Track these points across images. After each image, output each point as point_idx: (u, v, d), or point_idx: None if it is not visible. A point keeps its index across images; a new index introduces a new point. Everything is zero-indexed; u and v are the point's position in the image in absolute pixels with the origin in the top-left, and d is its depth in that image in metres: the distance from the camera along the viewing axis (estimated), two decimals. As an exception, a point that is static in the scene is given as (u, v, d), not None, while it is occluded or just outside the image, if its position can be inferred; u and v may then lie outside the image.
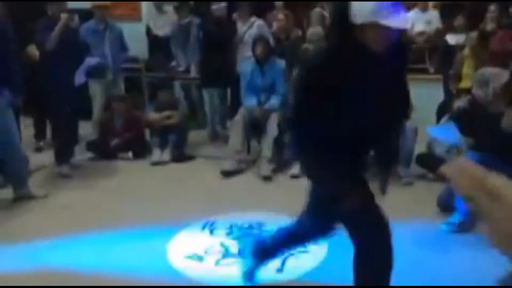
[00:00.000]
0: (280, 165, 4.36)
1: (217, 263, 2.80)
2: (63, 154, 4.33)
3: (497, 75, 3.14)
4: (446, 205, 3.32)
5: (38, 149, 5.05)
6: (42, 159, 4.66)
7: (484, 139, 3.05)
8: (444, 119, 4.06)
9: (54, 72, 4.06)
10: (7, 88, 3.48)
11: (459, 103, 3.50)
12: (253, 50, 4.49)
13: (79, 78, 4.39)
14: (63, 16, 4.12)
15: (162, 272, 2.72)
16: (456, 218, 3.11)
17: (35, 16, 4.35)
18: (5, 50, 3.44)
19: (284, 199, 3.70)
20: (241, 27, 5.38)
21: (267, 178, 4.14)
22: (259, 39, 4.55)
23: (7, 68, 3.44)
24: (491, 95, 3.10)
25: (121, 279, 2.59)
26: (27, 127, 5.03)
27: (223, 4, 5.13)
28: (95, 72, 4.78)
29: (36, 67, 4.43)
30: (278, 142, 4.46)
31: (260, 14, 5.78)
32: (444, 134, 3.34)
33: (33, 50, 4.66)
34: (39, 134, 5.17)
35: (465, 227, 3.07)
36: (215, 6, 5.14)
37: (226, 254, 2.88)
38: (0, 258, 2.89)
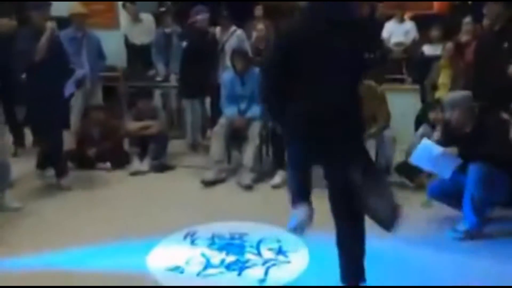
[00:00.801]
0: (261, 175, 4.35)
1: (198, 274, 2.76)
2: (46, 161, 4.24)
3: (462, 99, 3.23)
4: (438, 194, 3.36)
5: (15, 155, 4.98)
6: (19, 168, 4.55)
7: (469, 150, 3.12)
8: (421, 129, 4.15)
9: (41, 82, 3.91)
10: None
11: (435, 136, 3.60)
12: (232, 61, 4.49)
13: (69, 89, 4.33)
14: (49, 25, 3.93)
15: (142, 284, 2.67)
16: (463, 225, 3.14)
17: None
18: None
19: (265, 209, 3.70)
20: (221, 37, 5.38)
21: (248, 187, 4.12)
22: (237, 51, 4.56)
23: None
24: (455, 118, 3.19)
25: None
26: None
27: (205, 14, 5.12)
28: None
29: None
30: (259, 151, 4.47)
31: (240, 24, 5.79)
32: (426, 163, 3.32)
33: None
34: (17, 140, 5.09)
35: (472, 235, 3.11)
36: (199, 16, 5.10)
37: (208, 265, 2.85)
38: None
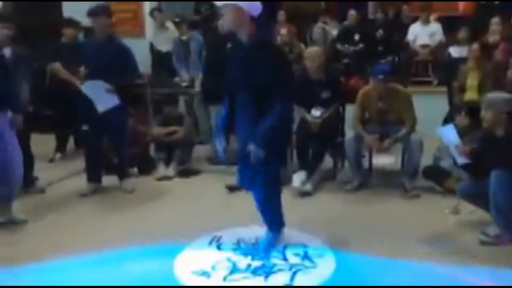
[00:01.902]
0: (286, 179, 4.34)
1: (224, 279, 2.77)
2: (91, 172, 4.32)
3: (500, 101, 3.15)
4: (468, 194, 3.30)
5: (51, 160, 5.15)
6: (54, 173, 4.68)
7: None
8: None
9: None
10: (9, 108, 3.47)
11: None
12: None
13: (104, 106, 4.06)
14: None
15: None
16: (494, 229, 3.09)
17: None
18: (7, 74, 3.48)
19: (291, 214, 3.67)
20: None
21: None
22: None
23: (8, 91, 3.47)
24: (488, 119, 3.12)
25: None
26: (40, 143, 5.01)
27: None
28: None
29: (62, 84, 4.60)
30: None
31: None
32: (448, 135, 3.51)
33: (57, 67, 4.83)
34: (59, 147, 5.28)
35: (502, 241, 3.05)
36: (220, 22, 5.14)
37: (234, 269, 2.85)
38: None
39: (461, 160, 3.40)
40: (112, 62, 3.98)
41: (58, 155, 5.22)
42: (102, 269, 2.90)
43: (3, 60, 3.57)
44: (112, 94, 4.03)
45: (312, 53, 4.48)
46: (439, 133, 3.66)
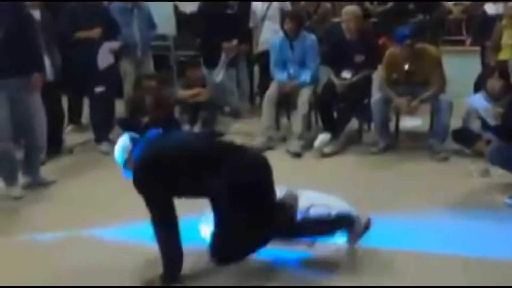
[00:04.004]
0: (310, 142, 4.31)
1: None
2: (101, 133, 4.42)
3: None
4: (497, 158, 3.23)
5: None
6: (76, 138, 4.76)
7: None
8: (477, 99, 3.93)
9: (89, 50, 4.21)
10: (33, 70, 3.44)
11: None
12: (282, 25, 4.40)
13: (102, 63, 4.39)
14: None
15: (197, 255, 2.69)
16: None
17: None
18: (33, 35, 3.46)
19: (314, 176, 3.67)
20: (257, 4, 5.26)
21: (297, 155, 4.10)
22: (289, 13, 4.46)
23: (36, 53, 3.48)
24: None
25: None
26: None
27: None
28: (126, 51, 4.81)
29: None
30: (307, 119, 4.42)
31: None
32: (478, 102, 3.47)
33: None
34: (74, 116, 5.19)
35: None
36: None
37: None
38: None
39: (493, 122, 3.29)
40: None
41: (70, 127, 5.07)
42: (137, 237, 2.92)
43: (32, 21, 3.53)
44: (111, 53, 4.38)
45: (349, 12, 4.31)
46: (468, 102, 3.53)
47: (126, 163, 2.38)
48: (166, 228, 2.30)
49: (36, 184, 3.66)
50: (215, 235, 2.40)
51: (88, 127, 4.98)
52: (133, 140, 2.40)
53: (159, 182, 2.27)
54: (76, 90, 4.94)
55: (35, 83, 3.43)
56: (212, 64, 5.20)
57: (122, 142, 2.41)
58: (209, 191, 2.33)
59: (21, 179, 3.61)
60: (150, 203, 2.29)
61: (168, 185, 2.28)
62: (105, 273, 2.50)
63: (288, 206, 2.57)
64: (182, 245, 2.33)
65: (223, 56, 5.19)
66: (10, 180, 3.50)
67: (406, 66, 3.96)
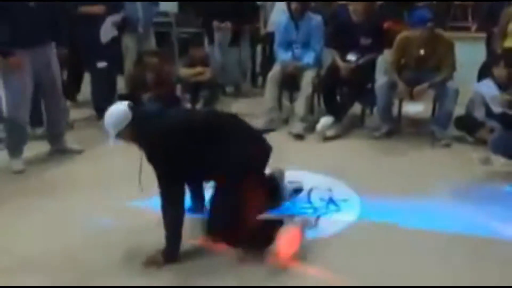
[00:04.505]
0: (312, 124, 4.29)
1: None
2: (102, 109, 4.37)
3: None
4: (500, 146, 3.24)
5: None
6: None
7: None
8: (483, 85, 3.89)
9: (92, 25, 4.19)
10: (55, 40, 3.56)
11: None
12: (288, 5, 4.34)
13: (105, 36, 4.38)
14: None
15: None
16: None
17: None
18: (58, 5, 3.56)
19: (316, 158, 3.67)
20: None
21: (299, 137, 4.08)
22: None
23: (55, 22, 3.52)
24: None
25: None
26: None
27: None
28: (128, 25, 4.75)
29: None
30: (310, 101, 4.39)
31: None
32: (485, 88, 3.41)
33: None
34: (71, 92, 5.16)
35: None
36: None
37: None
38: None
39: (498, 109, 3.27)
40: None
41: (70, 103, 4.97)
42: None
43: None
44: (114, 26, 4.43)
45: None
46: (475, 88, 3.51)
47: (120, 133, 2.29)
48: (177, 203, 2.30)
49: (62, 151, 3.76)
50: (212, 209, 2.43)
51: (84, 104, 4.95)
52: (132, 110, 2.30)
53: (174, 155, 2.24)
54: (77, 66, 4.89)
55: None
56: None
57: (121, 111, 2.29)
58: (212, 167, 2.34)
59: (46, 147, 3.77)
60: (164, 176, 2.26)
61: (181, 159, 2.26)
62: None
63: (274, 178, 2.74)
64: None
65: (216, 36, 5.15)
66: (15, 152, 3.53)
67: (422, 51, 3.90)
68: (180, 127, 2.32)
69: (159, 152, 2.26)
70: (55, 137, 3.78)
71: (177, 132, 2.30)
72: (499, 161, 3.38)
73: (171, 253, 2.34)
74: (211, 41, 5.22)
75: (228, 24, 5.10)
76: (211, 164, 2.34)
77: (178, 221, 2.31)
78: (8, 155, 3.53)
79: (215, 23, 5.07)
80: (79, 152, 3.81)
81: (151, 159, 2.27)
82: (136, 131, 2.29)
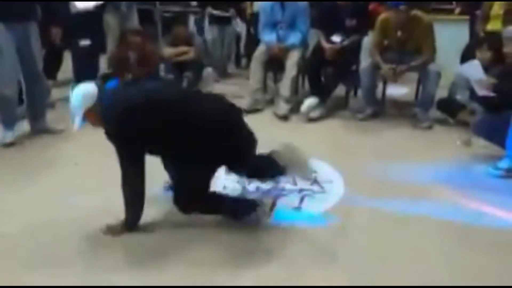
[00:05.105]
0: (296, 105, 4.30)
1: (234, 200, 2.81)
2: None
3: None
4: (482, 129, 3.29)
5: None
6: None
7: None
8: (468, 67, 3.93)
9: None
10: (35, 16, 3.51)
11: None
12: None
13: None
14: None
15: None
16: (505, 163, 3.07)
17: None
18: None
19: (301, 139, 3.67)
20: None
21: (284, 118, 4.09)
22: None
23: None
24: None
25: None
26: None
27: None
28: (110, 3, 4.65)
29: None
30: (295, 82, 4.39)
31: None
32: (472, 70, 3.39)
33: None
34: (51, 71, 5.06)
35: None
36: None
37: (244, 191, 2.89)
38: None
39: (482, 92, 3.31)
40: None
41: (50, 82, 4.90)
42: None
43: None
44: None
45: None
46: (461, 69, 3.54)
47: (86, 113, 2.25)
48: (139, 174, 2.31)
49: (43, 131, 3.71)
50: (177, 179, 2.44)
51: (63, 83, 4.85)
52: (98, 88, 2.28)
53: (139, 128, 2.21)
54: (58, 44, 4.77)
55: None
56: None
57: (89, 89, 2.26)
58: (179, 137, 2.27)
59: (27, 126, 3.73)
60: (126, 149, 2.25)
61: (146, 130, 2.23)
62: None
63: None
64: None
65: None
66: (6, 124, 3.52)
67: (399, 33, 3.93)
68: (143, 102, 2.27)
69: (121, 128, 2.23)
70: (35, 117, 3.73)
71: (140, 107, 2.24)
72: (479, 143, 3.44)
73: (130, 223, 2.40)
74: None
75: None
76: (175, 138, 2.29)
77: (138, 194, 2.34)
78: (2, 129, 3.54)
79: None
80: (60, 132, 3.76)
81: (112, 136, 2.26)
82: (100, 109, 2.26)
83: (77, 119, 2.25)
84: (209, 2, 5.24)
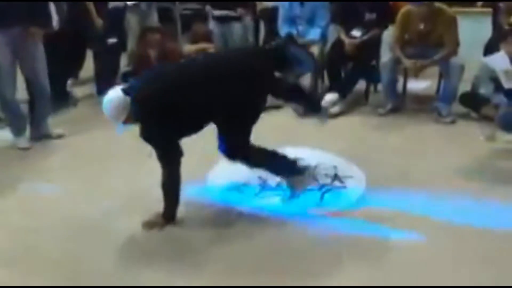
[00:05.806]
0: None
1: (256, 195, 2.84)
2: (105, 85, 4.36)
3: None
4: (508, 123, 3.23)
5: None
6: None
7: None
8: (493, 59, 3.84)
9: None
10: (36, 23, 3.41)
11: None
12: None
13: None
14: None
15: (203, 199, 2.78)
16: None
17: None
18: None
19: (321, 135, 3.67)
20: None
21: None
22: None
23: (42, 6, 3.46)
24: None
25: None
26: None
27: None
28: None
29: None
30: (315, 77, 4.37)
31: None
32: (498, 61, 3.32)
33: None
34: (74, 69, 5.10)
35: None
36: None
37: (265, 187, 2.90)
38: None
39: (509, 84, 3.22)
40: None
41: (72, 80, 4.88)
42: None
43: None
44: None
45: None
46: (487, 61, 3.47)
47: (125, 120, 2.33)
48: (177, 166, 2.40)
49: (44, 136, 3.67)
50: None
51: (85, 81, 4.92)
52: (125, 93, 2.33)
53: (170, 117, 2.29)
54: (83, 41, 4.84)
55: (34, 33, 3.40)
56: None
57: (120, 101, 2.30)
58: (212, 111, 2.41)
59: (29, 132, 3.65)
60: (162, 143, 2.35)
61: (176, 118, 2.31)
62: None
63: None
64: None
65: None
66: (18, 131, 3.53)
67: (422, 26, 3.87)
68: (169, 86, 2.36)
69: (155, 115, 2.30)
70: (36, 122, 3.68)
71: (168, 91, 2.34)
72: (504, 138, 3.38)
73: (170, 214, 2.47)
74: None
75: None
76: (211, 110, 2.41)
77: (178, 183, 2.43)
78: (12, 135, 3.55)
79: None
80: (61, 136, 3.70)
81: (147, 132, 2.33)
82: (133, 113, 2.33)
83: (119, 128, 2.37)
84: (209, 2, 5.18)
